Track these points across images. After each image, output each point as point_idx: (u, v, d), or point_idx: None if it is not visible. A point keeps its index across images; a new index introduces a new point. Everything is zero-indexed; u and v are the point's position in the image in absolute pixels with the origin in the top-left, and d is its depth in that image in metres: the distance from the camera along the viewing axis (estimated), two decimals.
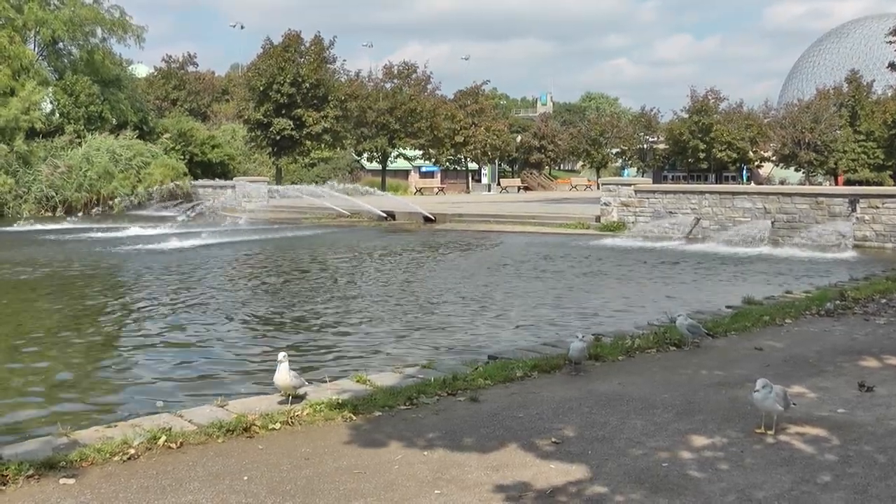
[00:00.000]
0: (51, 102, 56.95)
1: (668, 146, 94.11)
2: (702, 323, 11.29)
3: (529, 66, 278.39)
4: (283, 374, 7.48)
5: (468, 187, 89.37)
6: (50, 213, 48.65)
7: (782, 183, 78.06)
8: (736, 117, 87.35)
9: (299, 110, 59.18)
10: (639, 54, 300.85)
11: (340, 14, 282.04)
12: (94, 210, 49.61)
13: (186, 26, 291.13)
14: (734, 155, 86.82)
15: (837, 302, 13.29)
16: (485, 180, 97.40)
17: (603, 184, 38.55)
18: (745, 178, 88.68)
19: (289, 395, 7.63)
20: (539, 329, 14.07)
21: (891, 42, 57.86)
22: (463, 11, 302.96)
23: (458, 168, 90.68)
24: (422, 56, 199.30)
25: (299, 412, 7.30)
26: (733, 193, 32.45)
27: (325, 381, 8.69)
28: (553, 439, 6.74)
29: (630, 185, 35.84)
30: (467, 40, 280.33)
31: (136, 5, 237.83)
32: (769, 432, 6.83)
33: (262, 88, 59.07)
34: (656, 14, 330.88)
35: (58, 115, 56.87)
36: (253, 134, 62.23)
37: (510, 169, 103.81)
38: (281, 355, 7.65)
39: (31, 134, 52.12)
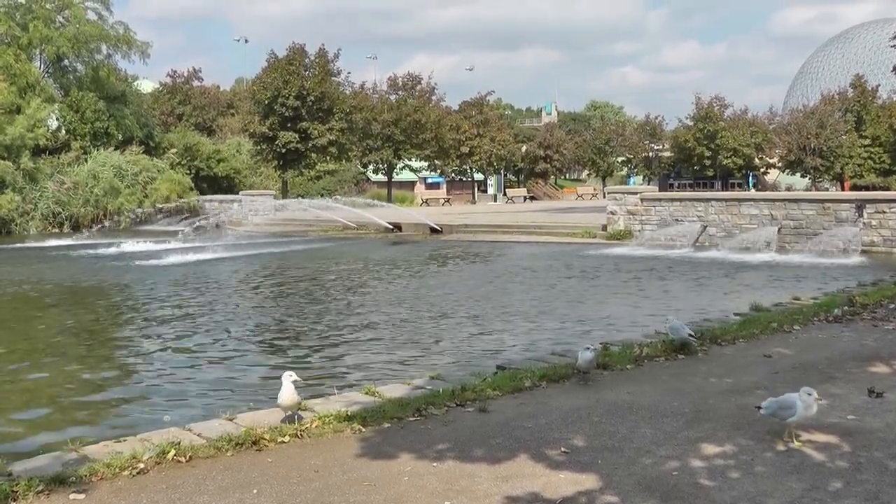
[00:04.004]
0: (57, 119, 57.20)
1: (673, 154, 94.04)
2: (708, 330, 11.29)
3: (536, 75, 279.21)
4: (290, 393, 7.43)
5: (474, 198, 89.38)
6: (57, 230, 48.80)
7: (788, 189, 77.94)
8: (741, 124, 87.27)
9: (304, 123, 59.33)
10: (646, 61, 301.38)
11: (348, 26, 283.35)
12: (99, 226, 49.72)
13: (194, 41, 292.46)
14: (740, 161, 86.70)
15: (846, 308, 13.24)
16: (491, 190, 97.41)
17: (609, 192, 38.54)
18: (750, 184, 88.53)
19: (293, 412, 7.58)
20: (547, 338, 14.06)
21: (895, 46, 57.76)
22: (470, 22, 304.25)
23: (464, 179, 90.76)
24: (430, 68, 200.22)
25: (308, 425, 7.30)
26: (739, 200, 32.42)
27: (334, 394, 8.68)
28: (563, 449, 6.73)
29: (636, 193, 35.83)
30: (475, 50, 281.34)
31: (143, 21, 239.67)
32: (796, 441, 6.81)
33: (266, 102, 59.24)
34: (664, 20, 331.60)
35: (64, 131, 57.13)
36: (258, 147, 62.41)
37: (516, 179, 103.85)
38: (286, 374, 7.55)
39: (38, 151, 52.32)
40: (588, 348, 9.03)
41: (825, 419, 7.43)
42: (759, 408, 7.03)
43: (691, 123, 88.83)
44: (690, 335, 10.47)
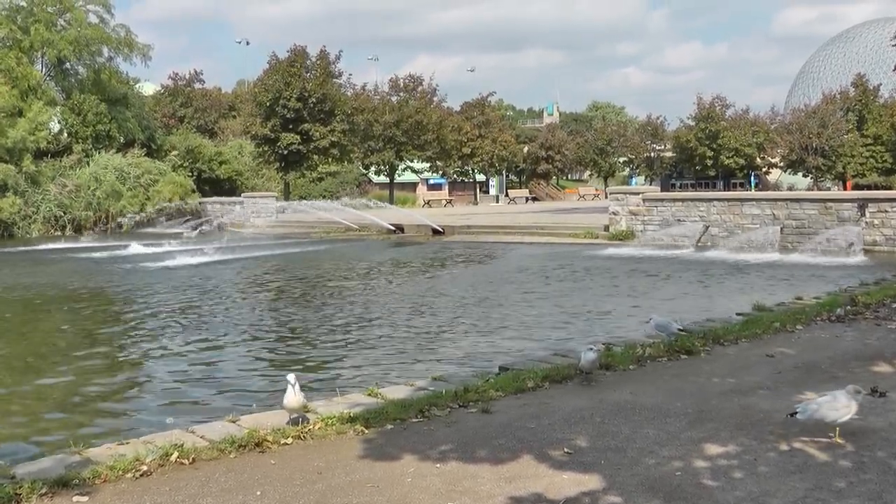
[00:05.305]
0: (59, 122, 57.18)
1: (675, 154, 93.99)
2: (711, 330, 11.28)
3: (538, 76, 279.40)
4: (295, 396, 7.40)
5: (476, 199, 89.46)
6: (59, 233, 48.79)
7: (790, 189, 77.89)
8: (742, 124, 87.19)
9: (306, 125, 59.30)
10: (648, 62, 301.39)
11: (349, 28, 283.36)
12: (102, 228, 49.71)
13: (195, 43, 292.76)
14: (742, 161, 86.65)
15: (848, 307, 13.22)
16: (492, 191, 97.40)
17: (611, 193, 38.53)
18: (752, 184, 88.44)
19: (297, 415, 7.55)
20: (550, 339, 14.07)
21: None
22: (472, 23, 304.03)
23: (466, 180, 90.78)
24: (431, 69, 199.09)
25: (311, 426, 7.29)
26: (741, 200, 32.41)
27: (337, 395, 8.68)
28: (566, 449, 6.72)
29: (638, 193, 35.83)
30: (477, 52, 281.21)
31: (144, 23, 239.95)
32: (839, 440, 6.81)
33: (268, 104, 59.23)
34: (666, 21, 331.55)
35: (66, 134, 57.11)
36: (260, 149, 62.38)
37: (518, 179, 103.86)
38: (290, 377, 7.48)
39: (39, 154, 52.31)
40: (591, 349, 9.02)
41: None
42: (793, 414, 6.92)
43: (693, 123, 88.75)
44: (680, 330, 10.49)
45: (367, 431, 7.28)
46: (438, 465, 6.44)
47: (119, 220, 51.73)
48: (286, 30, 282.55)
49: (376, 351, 13.56)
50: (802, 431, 6.98)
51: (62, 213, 50.13)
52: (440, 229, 40.22)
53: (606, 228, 35.11)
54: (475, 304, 18.61)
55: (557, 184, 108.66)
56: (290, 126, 59.43)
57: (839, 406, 6.77)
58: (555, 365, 9.63)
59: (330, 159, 65.24)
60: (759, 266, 25.21)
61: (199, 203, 55.56)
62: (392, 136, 69.05)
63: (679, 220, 32.81)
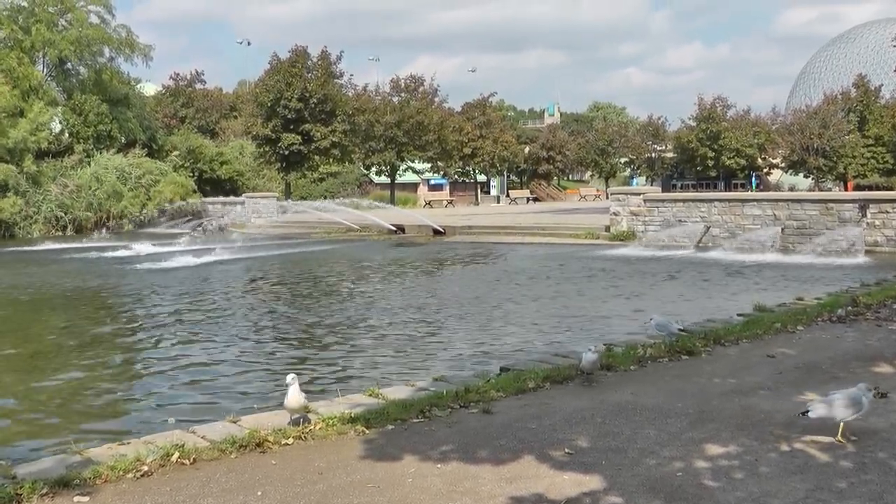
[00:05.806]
0: (60, 122, 57.23)
1: (676, 154, 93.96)
2: (712, 331, 11.28)
3: (538, 76, 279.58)
4: (296, 396, 7.40)
5: (477, 199, 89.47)
6: (60, 233, 48.81)
7: (791, 189, 77.84)
8: (743, 124, 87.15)
9: (307, 125, 59.34)
10: (649, 62, 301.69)
11: (350, 28, 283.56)
12: (103, 229, 49.72)
13: (196, 44, 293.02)
14: (743, 162, 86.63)
15: (849, 308, 13.20)
16: (494, 192, 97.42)
17: (612, 193, 38.48)
18: (753, 185, 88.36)
19: (298, 415, 7.55)
20: (551, 340, 14.06)
21: None
22: (473, 24, 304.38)
23: (467, 180, 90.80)
24: (433, 69, 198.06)
25: (312, 427, 7.29)
26: (742, 201, 32.38)
27: (337, 396, 8.68)
28: (566, 450, 6.72)
29: (639, 194, 35.78)
30: (478, 52, 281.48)
31: (145, 24, 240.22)
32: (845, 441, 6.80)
33: (269, 104, 59.26)
34: (668, 22, 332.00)
35: (67, 134, 57.17)
36: (261, 150, 62.42)
37: (519, 180, 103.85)
38: (290, 377, 7.45)
39: (40, 154, 52.37)
40: (591, 349, 9.01)
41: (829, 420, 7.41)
42: (805, 413, 6.94)
43: (694, 124, 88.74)
44: (681, 330, 10.51)
45: (368, 432, 7.28)
46: (439, 466, 6.44)
47: (120, 220, 51.78)
48: (287, 30, 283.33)
49: (377, 351, 13.55)
50: (804, 432, 6.98)
51: (63, 214, 50.19)
52: (441, 230, 40.21)
53: (607, 229, 35.09)
54: (476, 304, 18.59)
55: (558, 184, 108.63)
56: (292, 126, 59.49)
57: (849, 404, 6.78)
58: (556, 366, 9.62)
59: (331, 160, 65.30)
60: (760, 266, 25.19)
61: (201, 203, 55.59)
62: (393, 137, 69.03)
63: (680, 220, 32.78)
